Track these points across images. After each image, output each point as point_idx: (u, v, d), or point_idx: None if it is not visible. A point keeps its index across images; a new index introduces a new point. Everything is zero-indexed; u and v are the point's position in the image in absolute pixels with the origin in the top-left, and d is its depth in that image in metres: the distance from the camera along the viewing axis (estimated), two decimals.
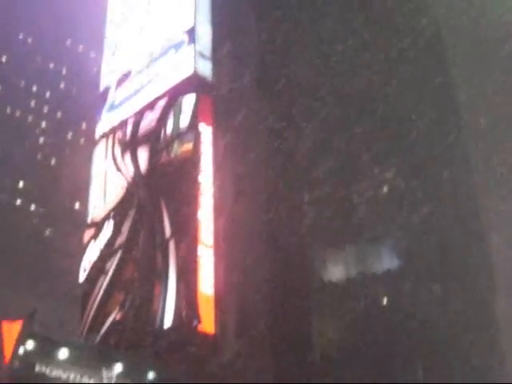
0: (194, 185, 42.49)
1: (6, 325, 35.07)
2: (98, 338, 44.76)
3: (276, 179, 42.98)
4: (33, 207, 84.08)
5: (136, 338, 41.71)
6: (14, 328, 34.71)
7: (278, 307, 39.32)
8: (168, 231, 42.37)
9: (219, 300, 40.62)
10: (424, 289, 43.60)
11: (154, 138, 46.62)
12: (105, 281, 46.31)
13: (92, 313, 46.57)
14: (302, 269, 40.84)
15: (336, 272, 43.61)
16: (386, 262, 44.69)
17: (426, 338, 41.56)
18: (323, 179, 42.82)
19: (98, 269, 47.37)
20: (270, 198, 42.05)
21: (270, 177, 43.30)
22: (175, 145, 44.41)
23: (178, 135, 44.47)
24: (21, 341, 34.33)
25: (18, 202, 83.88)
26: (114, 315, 44.21)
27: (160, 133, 46.18)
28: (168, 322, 40.34)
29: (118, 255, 46.00)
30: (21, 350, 34.29)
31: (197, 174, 42.75)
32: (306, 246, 42.01)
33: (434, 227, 45.45)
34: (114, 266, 45.99)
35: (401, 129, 47.27)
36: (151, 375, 37.74)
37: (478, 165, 50.85)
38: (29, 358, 34.45)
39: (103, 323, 44.76)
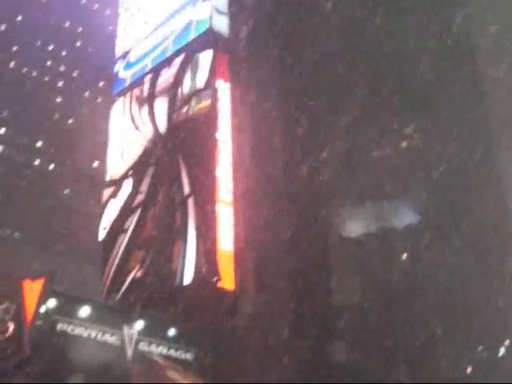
0: (211, 142, 42.24)
1: (27, 284, 35.31)
2: (119, 296, 45.02)
3: (295, 135, 42.70)
4: (51, 167, 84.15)
5: (156, 296, 41.88)
6: (35, 287, 34.94)
7: (298, 263, 39.31)
8: (187, 189, 42.25)
9: (239, 256, 40.64)
10: (443, 244, 43.38)
11: (171, 96, 46.30)
12: (124, 239, 46.38)
13: (112, 271, 46.74)
14: (321, 225, 40.72)
15: (355, 228, 43.48)
16: (405, 217, 44.47)
17: (444, 294, 41.45)
18: (342, 135, 42.49)
19: (118, 227, 47.42)
20: (288, 155, 41.83)
21: (288, 133, 43.02)
22: (193, 102, 44.08)
23: (196, 92, 44.10)
24: (42, 300, 34.57)
25: (36, 162, 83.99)
26: (134, 273, 44.36)
27: (177, 90, 45.83)
28: (188, 279, 40.42)
29: (137, 213, 46.00)
30: (42, 309, 34.56)
31: (214, 131, 42.47)
32: (325, 202, 41.83)
33: (453, 182, 45.09)
34: (133, 225, 46.03)
35: (420, 84, 46.66)
36: (172, 332, 38.02)
37: (498, 120, 50.25)
38: (50, 317, 34.73)
39: (123, 281, 44.95)
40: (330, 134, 43.21)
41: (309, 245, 39.42)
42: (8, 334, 35.90)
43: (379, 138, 45.13)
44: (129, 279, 44.61)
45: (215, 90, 43.35)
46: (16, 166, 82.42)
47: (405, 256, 43.66)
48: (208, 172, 41.88)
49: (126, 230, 46.63)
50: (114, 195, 49.35)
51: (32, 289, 34.96)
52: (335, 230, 41.82)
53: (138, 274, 44.24)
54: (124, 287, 44.90)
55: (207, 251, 40.05)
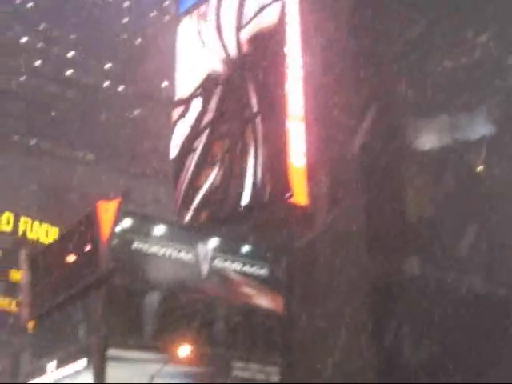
0: (279, 57, 41.67)
1: (102, 205, 35.86)
2: (191, 214, 45.45)
3: (364, 49, 41.71)
4: (120, 88, 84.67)
5: (228, 213, 42.17)
6: (110, 207, 35.47)
7: (371, 178, 38.82)
8: (256, 106, 41.97)
9: (311, 172, 40.42)
10: None
11: (237, 12, 45.60)
12: (194, 158, 46.56)
13: (183, 190, 47.11)
14: (395, 138, 39.98)
15: (429, 140, 42.63)
16: (480, 129, 43.42)
17: None
18: (414, 45, 41.32)
19: (188, 146, 47.55)
20: (359, 68, 40.93)
21: (358, 48, 42.04)
22: (260, 17, 43.37)
23: (263, 7, 43.33)
24: (117, 219, 35.12)
25: (106, 83, 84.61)
26: (205, 191, 44.67)
27: (243, 5, 45.10)
28: (260, 196, 40.55)
29: (207, 132, 45.99)
30: (118, 229, 35.12)
31: (282, 46, 41.82)
32: (398, 115, 41.01)
33: None
34: (202, 143, 46.08)
35: None
36: (246, 248, 38.33)
37: None
38: (126, 236, 35.31)
39: (195, 199, 45.34)
40: (401, 45, 42.06)
41: (382, 158, 38.81)
42: (85, 254, 36.74)
43: (453, 47, 43.74)
44: (200, 197, 44.95)
45: (283, 4, 42.53)
46: (86, 88, 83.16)
47: (479, 169, 42.77)
48: (277, 87, 41.38)
49: (196, 149, 46.77)
50: (183, 115, 49.33)
51: (107, 209, 35.51)
52: (408, 143, 41.01)
53: (209, 193, 44.51)
54: (195, 205, 45.30)
55: (279, 167, 39.92)
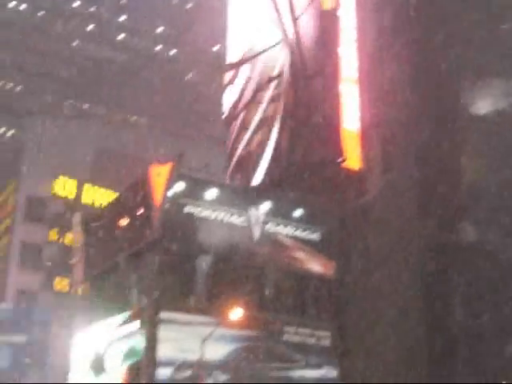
0: (333, 19, 41.22)
1: (154, 168, 35.87)
2: (242, 178, 45.40)
3: (418, 10, 40.92)
4: (172, 52, 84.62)
5: (281, 176, 42.01)
6: (162, 171, 35.45)
7: (425, 143, 38.28)
8: (308, 69, 41.58)
9: (364, 135, 40.08)
10: None
11: None
12: (244, 122, 46.45)
13: (235, 154, 47.05)
14: (450, 103, 39.30)
15: (485, 106, 41.78)
16: None
17: None
18: (471, 6, 40.35)
19: (237, 110, 47.46)
20: (416, 29, 40.19)
21: (412, 10, 41.24)
22: None
23: None
24: (170, 183, 35.11)
25: (158, 47, 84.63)
26: (257, 155, 44.55)
27: None
28: (313, 159, 40.31)
29: (256, 96, 45.78)
30: (170, 193, 35.14)
31: (336, 9, 41.36)
32: (454, 78, 40.21)
33: None
34: (251, 107, 45.94)
35: None
36: (298, 212, 38.13)
37: None
38: (179, 200, 35.34)
39: (248, 163, 45.25)
40: (458, 4, 41.11)
41: (437, 123, 38.21)
42: (138, 218, 36.93)
43: (510, 9, 42.64)
44: (253, 160, 44.83)
45: None
46: (138, 52, 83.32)
47: None
48: (330, 50, 41.02)
49: (245, 113, 46.62)
50: (233, 79, 49.17)
51: (159, 173, 35.50)
52: (464, 107, 40.25)
53: (261, 156, 44.34)
54: (248, 169, 45.19)
55: (332, 130, 39.62)
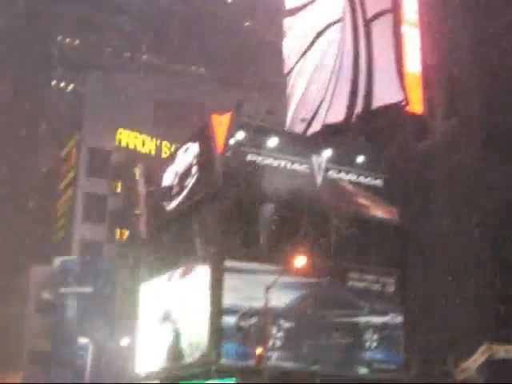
0: None
1: (215, 118, 35.84)
2: (303, 126, 45.12)
3: None
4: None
5: (343, 122, 41.69)
6: (223, 120, 35.41)
7: (490, 86, 37.35)
8: (370, 12, 40.96)
9: (427, 79, 39.37)
10: None
11: None
12: (304, 68, 46.03)
13: (296, 101, 46.77)
14: None
15: None
16: None
17: None
18: None
19: (298, 57, 47.08)
20: None
21: None
22: None
23: None
24: (231, 132, 35.05)
25: None
26: (317, 102, 44.21)
27: None
28: (375, 103, 39.85)
29: (316, 41, 45.29)
30: (232, 141, 35.08)
31: None
32: None
33: None
34: (311, 52, 45.44)
35: None
36: (361, 159, 37.74)
37: None
38: (240, 149, 35.27)
39: (309, 110, 44.97)
40: None
41: (502, 65, 37.11)
42: (200, 167, 37.04)
43: None
44: (313, 107, 44.49)
45: None
46: (197, 1, 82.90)
47: None
48: None
49: (306, 59, 46.22)
50: (292, 25, 48.69)
51: (221, 122, 35.46)
52: None
53: (321, 102, 43.96)
54: (308, 116, 44.90)
55: (393, 74, 39.05)
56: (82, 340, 53.94)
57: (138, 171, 50.48)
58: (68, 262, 71.44)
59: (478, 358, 31.97)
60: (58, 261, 71.90)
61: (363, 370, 35.78)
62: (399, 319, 36.83)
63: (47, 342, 68.94)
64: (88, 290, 68.06)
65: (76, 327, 63.81)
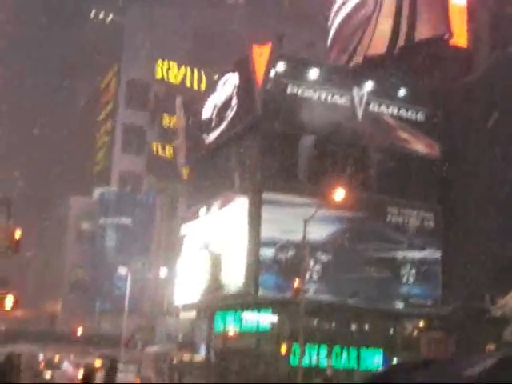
0: None
1: (256, 48, 35.43)
2: (345, 58, 44.47)
3: None
4: None
5: (383, 55, 41.00)
6: (264, 52, 35.02)
7: None
8: None
9: (472, 11, 38.47)
10: None
11: None
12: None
13: (338, 33, 46.04)
14: None
15: None
16: None
17: None
18: None
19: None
20: None
21: None
22: None
23: None
24: (271, 64, 34.67)
25: None
26: (359, 34, 43.49)
27: None
28: (418, 36, 39.04)
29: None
30: (272, 73, 34.74)
31: None
32: None
33: None
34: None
35: None
36: (402, 92, 37.16)
37: None
38: (280, 80, 34.93)
39: (349, 42, 44.29)
40: None
41: None
42: (240, 99, 36.80)
43: None
44: (355, 40, 43.76)
45: None
46: None
47: None
48: None
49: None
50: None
51: (261, 53, 35.08)
52: None
53: (363, 34, 43.22)
54: (349, 48, 44.21)
55: (438, 6, 38.23)
56: (121, 270, 54.70)
57: (177, 102, 50.41)
58: (107, 193, 72.06)
59: None
60: (97, 192, 72.60)
61: (400, 305, 35.87)
62: (438, 254, 36.73)
63: (86, 272, 70.09)
64: (127, 221, 68.78)
65: (115, 257, 64.60)
